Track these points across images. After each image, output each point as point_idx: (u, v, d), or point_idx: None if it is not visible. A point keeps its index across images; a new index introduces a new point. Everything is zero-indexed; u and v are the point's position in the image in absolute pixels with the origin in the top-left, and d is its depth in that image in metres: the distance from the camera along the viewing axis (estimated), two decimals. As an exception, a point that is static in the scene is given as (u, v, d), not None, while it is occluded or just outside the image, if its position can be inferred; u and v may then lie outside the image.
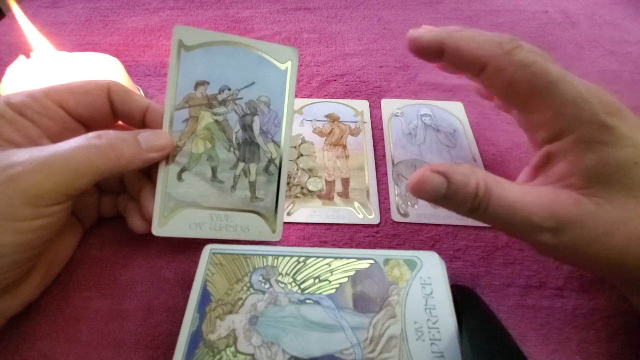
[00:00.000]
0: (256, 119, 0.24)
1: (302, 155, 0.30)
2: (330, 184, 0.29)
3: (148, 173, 0.24)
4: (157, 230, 0.23)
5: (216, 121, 0.24)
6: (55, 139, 0.21)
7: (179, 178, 0.23)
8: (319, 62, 0.39)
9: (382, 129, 0.32)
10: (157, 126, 0.23)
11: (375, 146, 0.31)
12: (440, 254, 0.21)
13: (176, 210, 0.23)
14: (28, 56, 0.28)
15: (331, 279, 0.20)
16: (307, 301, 0.20)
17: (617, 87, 0.36)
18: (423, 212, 0.27)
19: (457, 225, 0.26)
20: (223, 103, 0.24)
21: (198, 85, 0.24)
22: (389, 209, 0.27)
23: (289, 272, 0.21)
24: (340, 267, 0.21)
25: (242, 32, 0.42)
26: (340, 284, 0.20)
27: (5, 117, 0.20)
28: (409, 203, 0.28)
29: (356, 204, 0.28)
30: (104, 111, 0.23)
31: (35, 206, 0.18)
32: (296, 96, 0.31)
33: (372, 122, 0.33)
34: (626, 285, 0.19)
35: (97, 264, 0.25)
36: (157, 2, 0.46)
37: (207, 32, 0.24)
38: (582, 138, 0.18)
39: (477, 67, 0.21)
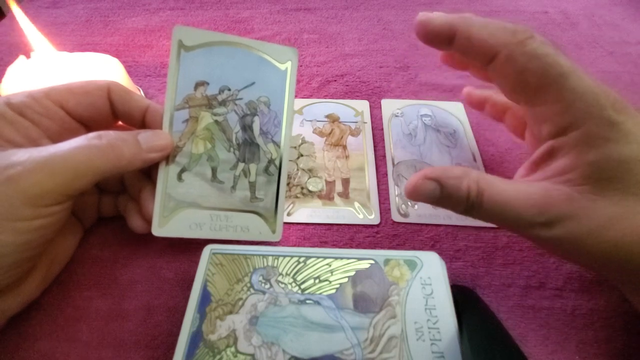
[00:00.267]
0: (256, 119, 0.24)
1: (302, 155, 0.30)
2: (330, 184, 0.29)
3: (148, 173, 0.24)
4: (157, 230, 0.23)
5: (216, 121, 0.24)
6: (55, 139, 0.21)
7: (179, 178, 0.23)
8: (318, 62, 0.39)
9: (382, 129, 0.32)
10: (157, 126, 0.23)
11: (375, 146, 0.31)
12: (440, 254, 0.21)
13: (176, 210, 0.23)
14: (28, 56, 0.28)
15: (331, 279, 0.20)
16: (307, 301, 0.20)
17: (617, 87, 0.35)
18: (423, 212, 0.27)
19: (457, 225, 0.27)
20: (223, 103, 0.24)
21: (198, 85, 0.24)
22: (389, 209, 0.27)
23: (289, 272, 0.21)
24: (340, 267, 0.21)
25: (242, 32, 0.42)
26: (340, 284, 0.20)
27: (5, 117, 0.20)
28: (409, 203, 0.28)
29: (356, 204, 0.28)
30: (104, 111, 0.23)
31: (35, 206, 0.18)
32: (296, 96, 0.31)
33: (372, 122, 0.33)
34: (623, 281, 0.19)
35: (97, 264, 0.25)
36: (157, 2, 0.46)
37: (207, 32, 0.24)
38: (588, 133, 0.18)
39: (487, 55, 0.20)
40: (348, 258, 0.21)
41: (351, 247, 0.26)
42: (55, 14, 0.45)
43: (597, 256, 0.18)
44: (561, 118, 0.19)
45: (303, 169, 0.30)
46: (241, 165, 0.24)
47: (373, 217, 0.27)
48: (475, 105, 0.30)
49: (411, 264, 0.21)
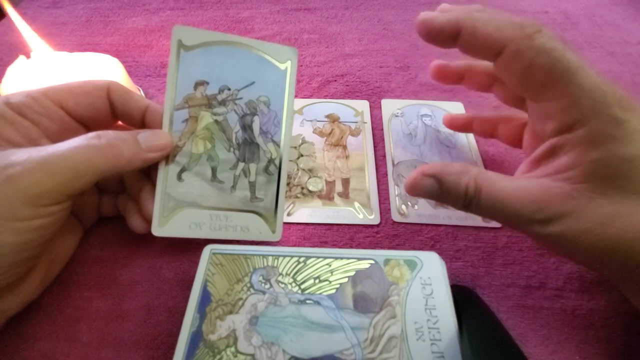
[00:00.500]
0: (256, 118, 0.24)
1: (302, 155, 0.30)
2: (330, 184, 0.29)
3: (147, 173, 0.24)
4: (157, 230, 0.23)
5: (216, 121, 0.24)
6: (55, 138, 0.21)
7: (179, 178, 0.23)
8: (319, 62, 0.39)
9: (382, 129, 0.32)
10: (157, 126, 0.23)
11: (375, 146, 0.31)
12: (440, 254, 0.21)
13: (176, 210, 0.23)
14: (28, 56, 0.28)
15: (331, 279, 0.20)
16: (307, 301, 0.20)
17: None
18: (423, 212, 0.27)
19: (457, 225, 0.26)
20: (222, 103, 0.24)
21: (197, 85, 0.24)
22: (389, 209, 0.27)
23: (289, 272, 0.21)
24: (340, 267, 0.21)
25: (242, 32, 0.42)
26: (340, 284, 0.20)
27: (5, 117, 0.20)
28: (409, 203, 0.28)
29: (356, 204, 0.28)
30: (104, 111, 0.23)
31: (34, 206, 0.18)
32: (296, 96, 0.31)
33: (372, 122, 0.33)
34: (624, 279, 0.19)
35: (97, 264, 0.25)
36: (157, 2, 0.46)
37: (207, 31, 0.24)
38: (593, 131, 0.18)
39: (494, 49, 0.20)
40: (348, 258, 0.21)
41: (351, 247, 0.26)
42: (55, 14, 0.45)
43: (596, 254, 0.17)
44: (567, 114, 0.18)
45: (303, 169, 0.29)
46: (241, 165, 0.24)
47: (373, 217, 0.27)
48: (461, 129, 0.30)
49: (411, 264, 0.21)
